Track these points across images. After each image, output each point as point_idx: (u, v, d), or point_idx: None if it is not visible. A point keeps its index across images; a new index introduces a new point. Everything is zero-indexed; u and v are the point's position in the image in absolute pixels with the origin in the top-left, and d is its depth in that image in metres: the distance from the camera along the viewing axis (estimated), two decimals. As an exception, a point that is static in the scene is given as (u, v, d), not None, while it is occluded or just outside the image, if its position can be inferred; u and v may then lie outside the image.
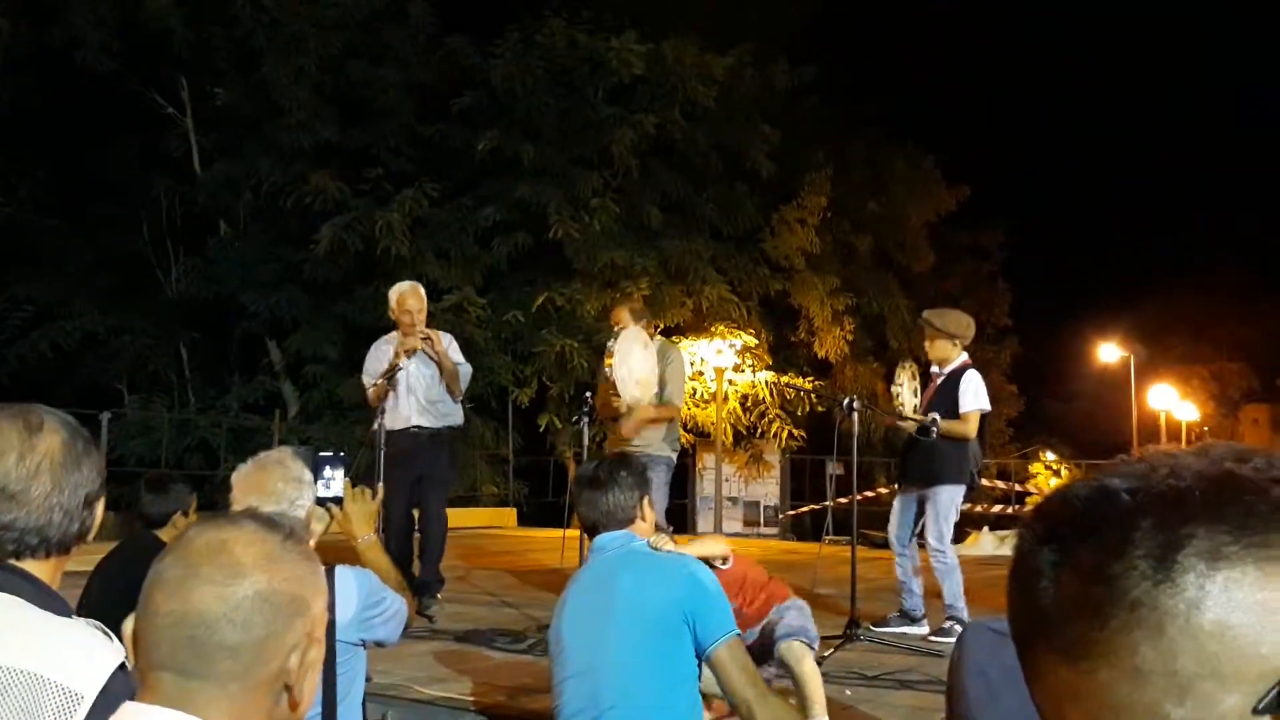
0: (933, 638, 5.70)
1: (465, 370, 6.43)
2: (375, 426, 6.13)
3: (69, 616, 1.47)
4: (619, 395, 5.83)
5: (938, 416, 5.88)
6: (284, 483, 2.60)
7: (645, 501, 2.89)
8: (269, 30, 14.87)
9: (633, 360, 5.85)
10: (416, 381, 6.21)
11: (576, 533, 6.22)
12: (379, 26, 15.67)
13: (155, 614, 1.13)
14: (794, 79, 17.34)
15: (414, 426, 6.20)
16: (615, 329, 6.08)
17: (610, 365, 5.89)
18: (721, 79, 15.62)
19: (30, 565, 1.52)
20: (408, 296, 6.23)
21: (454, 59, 15.66)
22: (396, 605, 2.72)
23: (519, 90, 15.11)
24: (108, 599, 3.37)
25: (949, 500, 5.91)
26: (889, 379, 6.29)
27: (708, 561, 3.53)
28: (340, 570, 2.60)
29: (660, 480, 6.05)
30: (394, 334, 6.36)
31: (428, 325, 6.37)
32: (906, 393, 6.06)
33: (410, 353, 6.12)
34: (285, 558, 1.18)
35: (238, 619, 1.12)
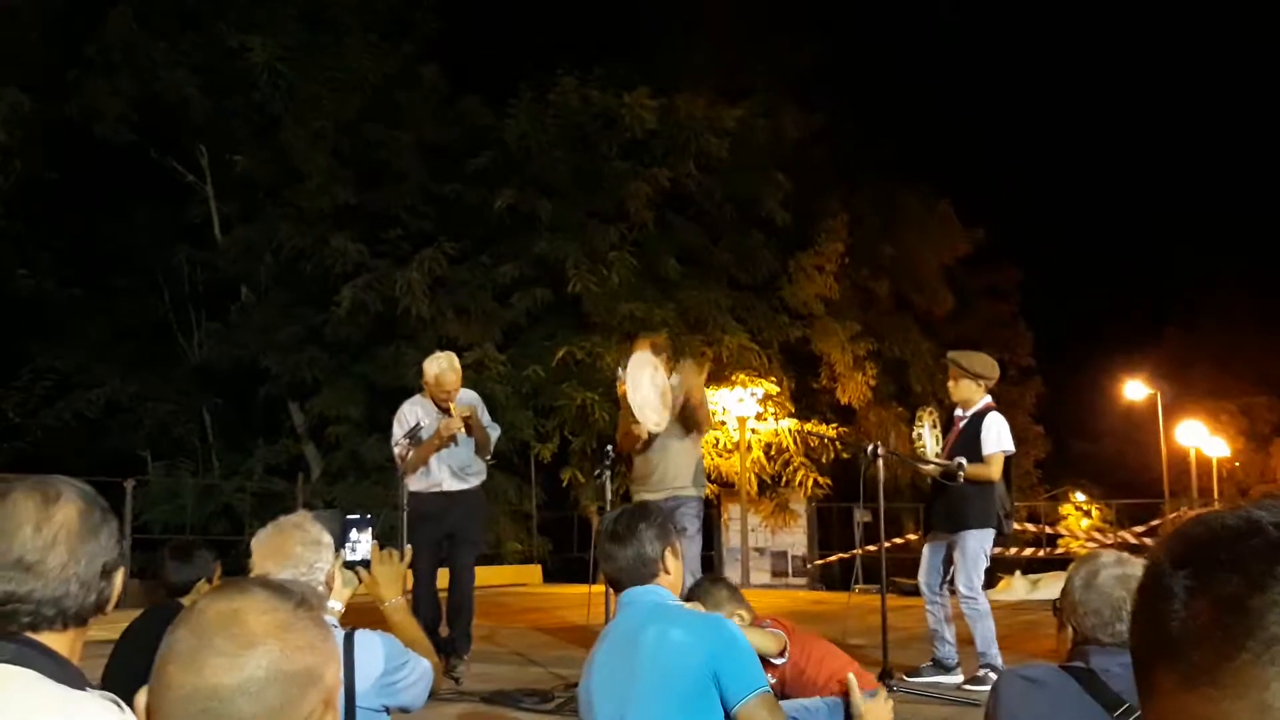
0: (967, 686, 5.60)
1: (495, 433, 6.45)
2: (404, 486, 6.13)
3: (85, 690, 1.44)
4: (639, 422, 5.78)
5: (964, 461, 5.81)
6: (302, 546, 2.59)
7: (668, 553, 2.82)
8: (285, 96, 15.13)
9: (644, 384, 5.80)
10: (450, 452, 6.20)
11: (602, 588, 6.17)
12: (393, 90, 15.92)
13: (169, 687, 1.11)
14: (804, 127, 17.46)
15: (444, 489, 6.21)
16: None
17: (624, 393, 5.83)
18: (733, 130, 15.75)
19: (47, 638, 1.49)
20: (446, 373, 6.08)
21: (468, 119, 15.88)
22: (421, 669, 2.67)
23: (534, 148, 15.29)
24: (131, 669, 3.35)
25: (977, 545, 5.83)
26: (911, 423, 6.24)
27: (762, 656, 3.33)
28: (361, 634, 2.55)
29: (694, 526, 5.99)
30: (419, 398, 6.35)
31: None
32: (928, 437, 6.00)
33: (452, 439, 6.10)
34: (298, 625, 1.15)
35: (252, 690, 1.10)
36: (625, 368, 5.86)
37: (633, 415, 5.75)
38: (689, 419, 6.04)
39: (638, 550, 2.77)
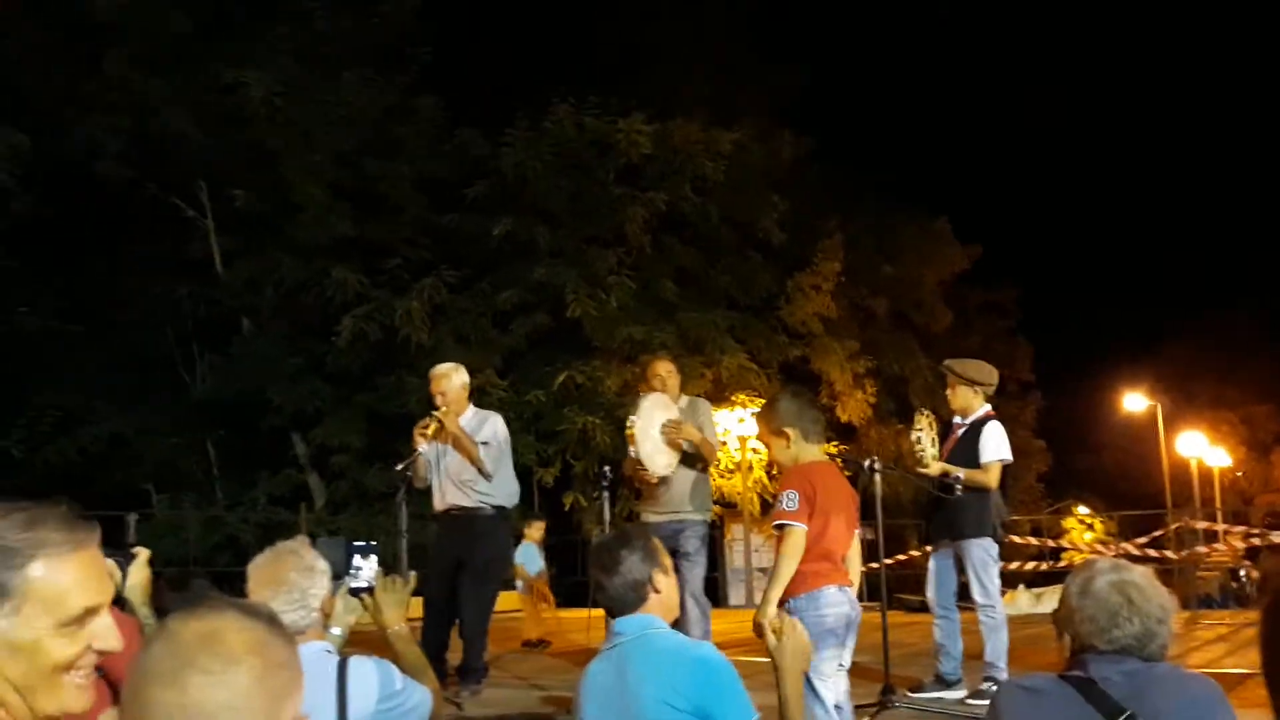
0: (970, 700, 5.57)
1: (487, 450, 6.03)
2: (403, 512, 6.07)
3: None
4: (646, 470, 5.78)
5: (960, 475, 5.80)
6: (297, 573, 2.58)
7: (656, 573, 2.76)
8: (282, 131, 15.20)
9: (653, 431, 5.81)
10: (445, 460, 6.14)
11: (602, 612, 6.14)
12: (390, 123, 16.00)
13: (149, 704, 1.13)
14: (798, 149, 17.55)
15: (452, 508, 6.06)
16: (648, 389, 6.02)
17: (632, 440, 5.80)
18: (728, 153, 15.83)
19: None
20: (433, 372, 6.22)
21: (465, 149, 15.96)
22: (418, 697, 2.64)
23: (530, 176, 15.36)
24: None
25: (983, 554, 5.81)
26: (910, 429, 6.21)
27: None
28: (355, 661, 2.54)
29: (697, 549, 5.98)
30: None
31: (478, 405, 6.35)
32: (925, 440, 5.96)
33: (430, 437, 6.04)
34: (275, 642, 1.19)
35: (238, 705, 1.13)
36: (637, 413, 5.81)
37: (640, 463, 5.74)
38: (702, 454, 6.04)
39: (625, 576, 2.73)
